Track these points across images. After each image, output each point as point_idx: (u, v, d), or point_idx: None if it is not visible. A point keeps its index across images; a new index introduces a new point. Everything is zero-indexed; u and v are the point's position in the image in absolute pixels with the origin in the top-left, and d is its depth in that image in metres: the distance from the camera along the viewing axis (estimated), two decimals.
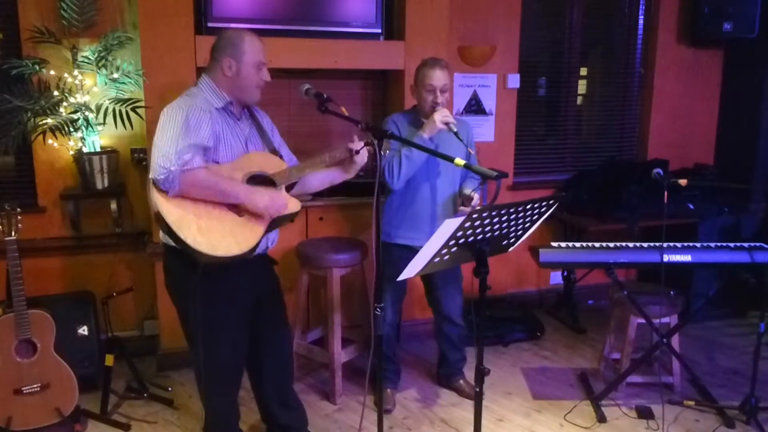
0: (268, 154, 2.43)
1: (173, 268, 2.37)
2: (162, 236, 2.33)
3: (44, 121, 3.30)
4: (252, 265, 2.38)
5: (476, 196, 3.01)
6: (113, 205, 3.56)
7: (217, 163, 2.27)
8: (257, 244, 2.23)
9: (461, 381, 3.46)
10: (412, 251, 2.97)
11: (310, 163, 2.41)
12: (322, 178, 2.55)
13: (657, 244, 3.07)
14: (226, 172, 2.26)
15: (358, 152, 2.40)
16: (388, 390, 3.34)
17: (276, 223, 2.33)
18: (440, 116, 2.84)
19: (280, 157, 2.46)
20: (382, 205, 3.17)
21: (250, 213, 2.24)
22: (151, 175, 2.12)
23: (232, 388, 2.55)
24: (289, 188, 2.42)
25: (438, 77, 2.94)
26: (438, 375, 3.57)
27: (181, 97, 2.28)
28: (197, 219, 2.13)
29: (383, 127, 3.01)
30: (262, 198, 2.24)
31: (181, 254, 2.17)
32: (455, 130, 2.84)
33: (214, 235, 2.13)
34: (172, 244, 2.18)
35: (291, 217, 2.39)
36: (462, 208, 3.05)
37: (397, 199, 3.08)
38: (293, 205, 2.36)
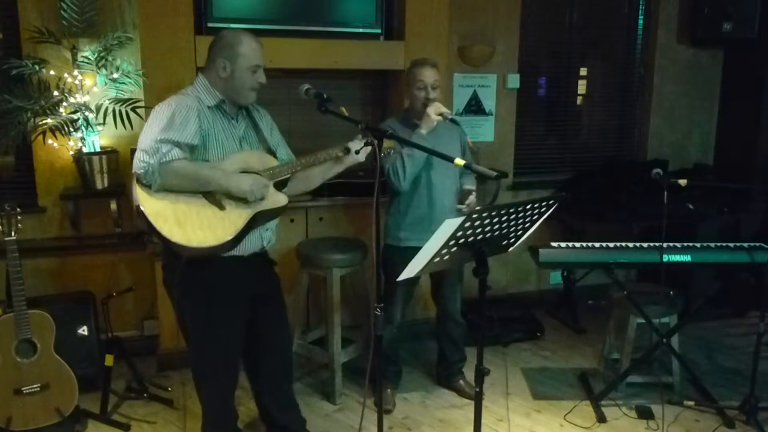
0: (261, 153, 2.42)
1: (168, 264, 2.39)
2: None
3: (44, 121, 3.30)
4: (248, 263, 2.38)
5: (474, 194, 3.06)
6: (113, 205, 3.56)
7: (207, 161, 2.27)
8: (236, 238, 2.21)
9: (461, 381, 3.46)
10: (416, 251, 3.01)
11: (301, 162, 2.41)
12: (314, 174, 2.56)
13: (657, 244, 3.07)
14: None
15: (358, 152, 2.41)
16: (389, 390, 3.34)
17: (260, 219, 2.30)
18: (434, 109, 2.89)
19: (274, 156, 2.46)
20: (388, 210, 3.18)
21: (232, 207, 2.23)
22: (133, 170, 2.14)
23: (227, 387, 2.55)
24: (281, 186, 2.41)
25: (428, 74, 2.99)
26: (438, 375, 3.57)
27: (173, 96, 2.29)
28: (175, 212, 2.14)
29: None
30: (246, 180, 2.24)
31: (172, 250, 2.18)
32: (450, 117, 2.88)
33: (191, 227, 2.13)
34: None
35: (276, 213, 2.38)
36: (459, 206, 3.07)
37: (404, 203, 3.08)
38: (278, 200, 2.36)
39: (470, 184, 3.17)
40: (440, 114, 2.87)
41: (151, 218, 2.10)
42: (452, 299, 3.33)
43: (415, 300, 3.95)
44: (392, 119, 3.17)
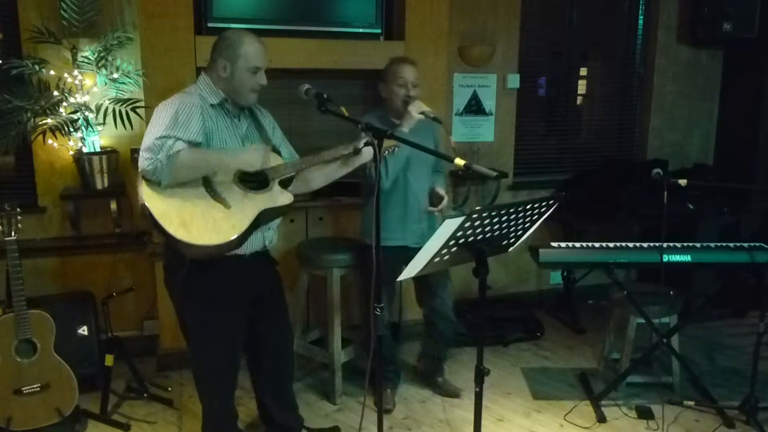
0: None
1: (170, 264, 2.39)
2: None
3: (44, 121, 3.30)
4: (249, 263, 2.38)
5: (446, 198, 3.08)
6: (113, 205, 3.56)
7: None
8: (241, 237, 2.21)
9: (440, 378, 3.48)
10: (402, 250, 3.01)
11: (306, 160, 2.42)
12: (320, 174, 2.56)
13: (657, 244, 3.07)
14: None
15: (359, 151, 2.41)
16: (388, 390, 3.34)
17: (265, 217, 2.31)
18: (415, 108, 2.90)
19: (279, 154, 2.46)
20: (364, 210, 3.18)
21: (237, 205, 2.23)
22: (139, 169, 2.13)
23: (227, 387, 2.55)
24: (286, 184, 2.41)
25: (409, 71, 3.01)
26: (417, 370, 3.59)
27: (177, 94, 2.30)
28: (181, 212, 2.14)
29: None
30: (251, 153, 2.27)
31: (176, 250, 2.18)
32: (432, 116, 2.89)
33: (196, 225, 2.14)
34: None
35: (281, 211, 2.38)
36: (431, 208, 3.08)
37: (381, 202, 3.07)
38: (284, 198, 2.36)
39: (441, 186, 3.18)
40: (422, 112, 2.88)
41: (157, 218, 2.11)
42: (444, 297, 3.31)
43: (414, 300, 3.95)
44: (369, 116, 3.12)
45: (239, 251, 2.30)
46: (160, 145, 2.09)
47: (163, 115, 2.18)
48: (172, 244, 2.13)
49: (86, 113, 3.38)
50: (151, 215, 2.11)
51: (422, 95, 3.07)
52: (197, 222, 2.14)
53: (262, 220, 2.29)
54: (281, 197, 2.35)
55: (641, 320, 3.28)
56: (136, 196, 3.65)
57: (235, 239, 2.18)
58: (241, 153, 2.27)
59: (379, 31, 3.75)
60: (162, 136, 2.10)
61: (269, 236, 2.47)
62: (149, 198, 2.13)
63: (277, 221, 2.48)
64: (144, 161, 2.10)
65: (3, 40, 3.50)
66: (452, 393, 3.42)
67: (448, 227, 1.93)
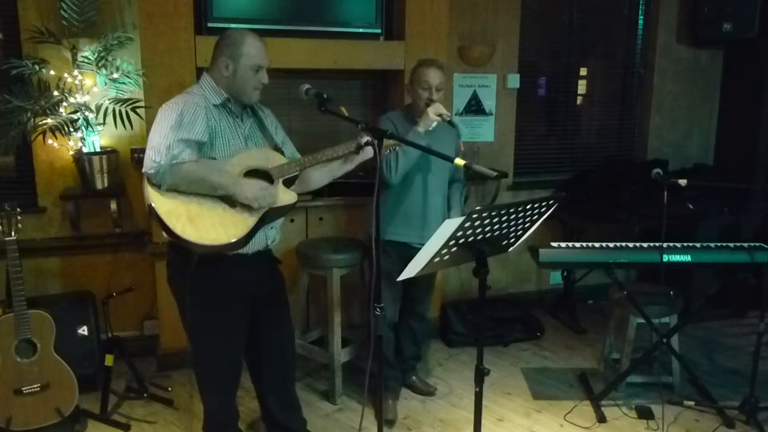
0: (268, 150, 2.43)
1: (173, 262, 2.39)
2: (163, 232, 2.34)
3: (44, 121, 3.30)
4: (252, 262, 2.39)
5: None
6: (113, 205, 3.56)
7: (214, 159, 2.28)
8: (248, 236, 2.22)
9: (414, 378, 3.48)
10: (405, 247, 3.02)
11: (309, 159, 2.42)
12: (321, 173, 2.56)
13: (657, 244, 3.07)
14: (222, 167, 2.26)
15: (359, 151, 2.42)
16: (390, 401, 3.25)
17: (270, 216, 2.31)
18: (433, 110, 2.91)
19: (282, 153, 2.46)
20: (381, 206, 3.18)
21: (243, 205, 2.24)
22: (143, 170, 2.15)
23: (229, 387, 2.55)
24: (289, 183, 2.42)
25: (434, 75, 3.01)
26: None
27: (180, 95, 2.31)
28: (188, 210, 2.15)
29: (380, 124, 3.05)
30: (251, 188, 2.23)
31: (181, 249, 2.18)
32: (448, 119, 2.90)
33: (203, 225, 2.14)
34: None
35: (286, 210, 2.38)
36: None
37: (391, 197, 3.09)
38: (288, 198, 2.36)
39: (455, 198, 3.17)
40: (439, 115, 2.89)
41: (163, 216, 2.11)
42: (424, 297, 3.34)
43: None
44: (396, 112, 3.19)
45: (242, 250, 2.31)
46: (166, 149, 2.10)
47: (168, 115, 2.19)
48: (178, 242, 2.14)
49: (86, 113, 3.38)
50: (157, 214, 2.12)
51: None
52: (203, 220, 2.15)
53: (267, 219, 2.30)
54: (285, 196, 2.36)
55: (641, 320, 3.28)
56: (135, 196, 3.67)
57: (241, 238, 2.19)
58: (243, 183, 2.23)
59: (379, 31, 3.75)
60: (169, 139, 2.12)
61: (272, 235, 2.47)
62: (155, 197, 2.14)
63: (281, 220, 2.49)
64: (148, 162, 2.11)
65: (3, 40, 3.50)
66: (428, 391, 3.44)
67: (448, 227, 1.93)
